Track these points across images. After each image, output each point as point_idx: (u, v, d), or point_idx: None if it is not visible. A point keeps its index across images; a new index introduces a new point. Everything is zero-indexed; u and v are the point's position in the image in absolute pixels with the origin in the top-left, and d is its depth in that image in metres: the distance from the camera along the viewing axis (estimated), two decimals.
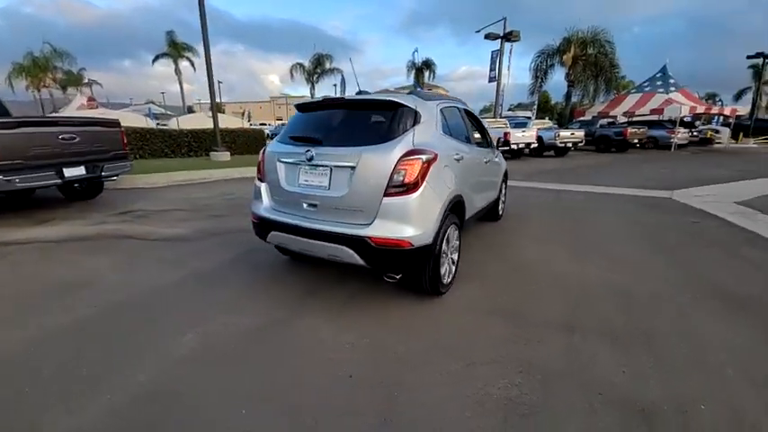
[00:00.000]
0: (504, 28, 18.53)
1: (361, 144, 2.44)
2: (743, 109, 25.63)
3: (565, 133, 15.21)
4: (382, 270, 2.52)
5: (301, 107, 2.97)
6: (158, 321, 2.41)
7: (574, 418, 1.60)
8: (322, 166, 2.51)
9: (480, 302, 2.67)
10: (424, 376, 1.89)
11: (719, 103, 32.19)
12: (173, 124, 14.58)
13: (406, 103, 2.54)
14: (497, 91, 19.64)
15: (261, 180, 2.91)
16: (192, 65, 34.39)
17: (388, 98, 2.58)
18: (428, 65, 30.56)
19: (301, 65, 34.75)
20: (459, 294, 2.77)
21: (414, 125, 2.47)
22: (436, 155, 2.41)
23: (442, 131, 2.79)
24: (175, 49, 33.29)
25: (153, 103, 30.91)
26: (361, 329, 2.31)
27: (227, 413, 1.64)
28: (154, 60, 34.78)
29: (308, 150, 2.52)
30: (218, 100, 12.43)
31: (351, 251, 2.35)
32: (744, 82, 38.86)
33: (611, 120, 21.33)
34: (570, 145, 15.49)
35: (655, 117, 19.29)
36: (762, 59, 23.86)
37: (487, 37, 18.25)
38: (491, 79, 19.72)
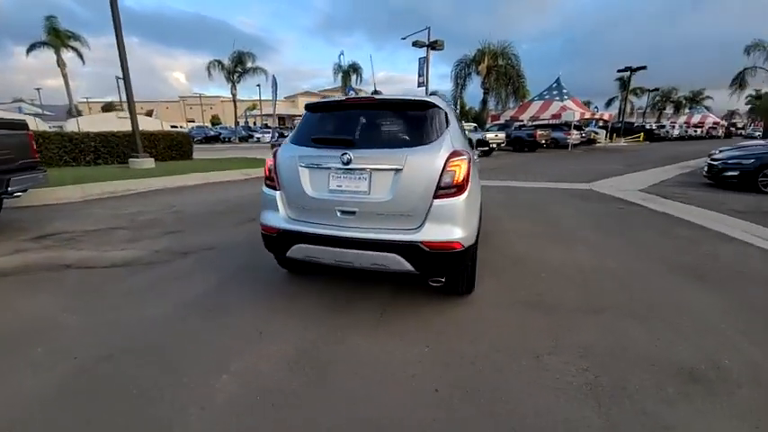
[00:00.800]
0: (429, 37, 19.71)
1: (401, 145, 2.36)
2: (611, 114, 31.39)
3: (491, 135, 16.75)
4: (430, 274, 2.45)
5: (315, 107, 2.75)
6: (174, 367, 1.97)
7: (648, 392, 1.77)
8: (359, 169, 2.34)
9: (504, 297, 2.79)
10: (507, 376, 1.90)
11: (596, 109, 38.84)
12: (71, 126, 12.09)
13: (438, 104, 2.52)
14: (426, 95, 20.70)
15: (274, 188, 2.61)
16: (81, 56, 29.10)
17: (419, 98, 2.53)
18: (355, 68, 30.77)
19: (220, 62, 31.98)
20: (481, 291, 2.86)
21: (447, 126, 2.47)
22: (470, 156, 2.45)
23: (460, 133, 2.85)
24: (57, 38, 27.74)
25: (23, 101, 25.27)
26: (413, 339, 2.23)
27: None
28: (29, 50, 28.48)
29: (345, 153, 2.33)
30: (115, 98, 10.73)
31: (400, 258, 2.24)
32: (612, 91, 47.65)
33: (521, 123, 24.23)
34: (495, 145, 17.13)
35: (554, 121, 22.54)
36: (629, 72, 29.41)
37: (415, 44, 19.16)
38: (420, 84, 20.73)
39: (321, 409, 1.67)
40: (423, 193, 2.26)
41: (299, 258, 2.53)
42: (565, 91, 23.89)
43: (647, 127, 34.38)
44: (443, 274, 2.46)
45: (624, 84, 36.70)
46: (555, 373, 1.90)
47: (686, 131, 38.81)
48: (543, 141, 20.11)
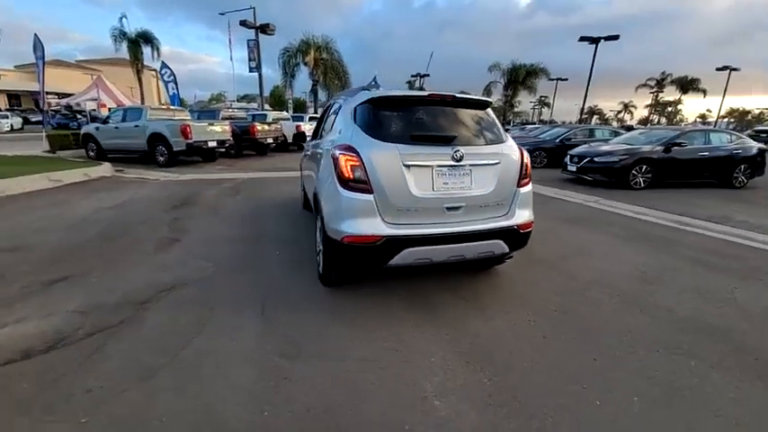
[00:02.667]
0: (255, 18, 18.12)
1: (490, 141, 2.56)
2: None
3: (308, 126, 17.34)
4: (515, 251, 2.66)
5: (386, 101, 2.48)
6: None
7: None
8: (462, 165, 2.37)
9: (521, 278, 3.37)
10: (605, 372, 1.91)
11: None
12: None
13: (491, 101, 2.81)
14: (260, 82, 19.20)
15: (366, 191, 2.24)
16: None
17: (481, 98, 2.70)
18: (148, 38, 24.32)
19: None
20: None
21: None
22: None
23: None
24: None
25: None
26: (481, 339, 2.18)
27: None
28: None
29: (457, 150, 2.33)
30: None
31: (502, 242, 2.48)
32: None
33: None
34: None
35: None
36: (419, 78, 36.06)
37: (243, 24, 17.26)
38: (251, 69, 18.95)
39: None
40: (512, 184, 2.54)
41: (402, 264, 2.31)
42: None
43: None
44: (521, 248, 2.74)
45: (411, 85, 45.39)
46: (639, 366, 2.60)
47: None
48: None
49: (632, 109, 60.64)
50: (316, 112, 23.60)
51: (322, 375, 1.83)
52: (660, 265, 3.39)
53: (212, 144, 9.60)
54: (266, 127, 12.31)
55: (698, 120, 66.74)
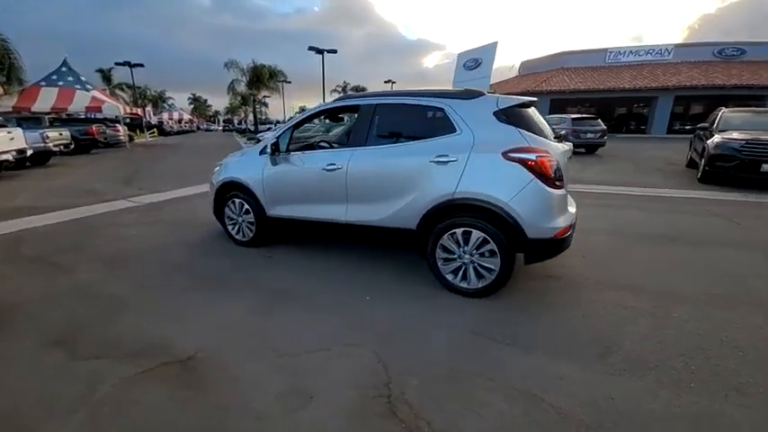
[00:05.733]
0: None
1: None
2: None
3: (54, 134, 11.52)
4: None
5: (530, 104, 2.89)
6: None
7: None
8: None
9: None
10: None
11: None
12: None
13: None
14: None
15: (562, 188, 2.68)
16: None
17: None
18: None
19: None
20: None
21: None
22: None
23: None
24: None
25: None
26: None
27: None
28: None
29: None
30: None
31: None
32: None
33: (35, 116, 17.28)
34: (63, 148, 12.03)
35: (97, 115, 18.62)
36: (132, 68, 28.29)
37: None
38: None
39: None
40: None
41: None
42: (83, 78, 19.68)
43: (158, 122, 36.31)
44: None
45: (108, 78, 35.26)
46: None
47: (182, 126, 45.20)
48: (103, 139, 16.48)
49: None
50: None
51: None
52: None
53: None
54: None
55: None
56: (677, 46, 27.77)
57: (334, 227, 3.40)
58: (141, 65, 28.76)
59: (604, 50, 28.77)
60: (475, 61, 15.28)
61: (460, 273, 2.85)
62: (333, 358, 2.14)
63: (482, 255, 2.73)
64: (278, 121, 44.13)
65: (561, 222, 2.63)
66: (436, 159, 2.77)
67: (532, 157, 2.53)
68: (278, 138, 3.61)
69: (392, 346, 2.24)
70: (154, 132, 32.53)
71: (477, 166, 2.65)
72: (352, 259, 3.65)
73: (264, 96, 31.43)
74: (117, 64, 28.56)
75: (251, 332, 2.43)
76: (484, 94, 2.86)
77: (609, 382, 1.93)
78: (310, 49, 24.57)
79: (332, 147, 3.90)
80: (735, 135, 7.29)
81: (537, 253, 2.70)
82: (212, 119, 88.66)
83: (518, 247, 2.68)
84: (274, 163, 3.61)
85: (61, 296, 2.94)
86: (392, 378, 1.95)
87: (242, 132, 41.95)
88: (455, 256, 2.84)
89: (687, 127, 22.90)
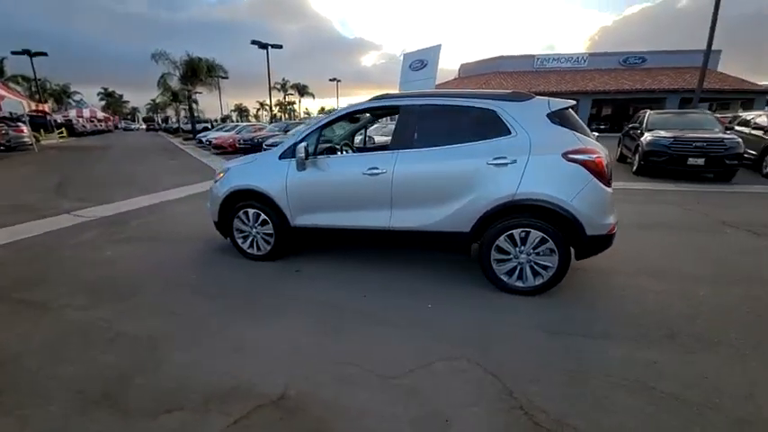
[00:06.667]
0: None
1: None
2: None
3: None
4: None
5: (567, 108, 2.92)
6: None
7: None
8: None
9: None
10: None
11: None
12: None
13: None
14: None
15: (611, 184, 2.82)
16: None
17: None
18: None
19: None
20: None
21: None
22: None
23: None
24: None
25: None
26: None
27: None
28: None
29: None
30: None
31: None
32: None
33: None
34: None
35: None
36: (32, 57, 23.86)
37: None
38: None
39: None
40: None
41: None
42: None
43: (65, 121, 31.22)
44: None
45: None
46: None
47: (96, 126, 39.39)
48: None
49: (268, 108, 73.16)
50: None
51: None
52: None
53: None
54: None
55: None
56: (591, 55, 31.47)
57: (374, 234, 3.23)
58: (44, 53, 24.55)
59: (532, 57, 31.51)
60: (421, 62, 15.70)
61: (516, 272, 2.90)
62: (440, 375, 2.03)
63: (538, 254, 2.81)
64: (215, 121, 40.77)
65: (613, 219, 2.80)
66: (494, 162, 2.78)
67: (591, 157, 2.66)
68: (304, 140, 3.32)
69: (490, 355, 2.20)
70: (62, 133, 27.95)
71: (537, 168, 2.71)
72: (384, 266, 3.53)
73: (196, 93, 28.74)
74: (14, 53, 23.96)
75: (331, 356, 2.21)
76: (533, 96, 2.92)
77: (694, 362, 2.12)
78: (253, 42, 23.06)
79: (338, 149, 3.79)
80: (663, 133, 8.46)
81: (592, 249, 2.81)
82: (130, 117, 79.23)
83: (575, 244, 2.81)
84: (301, 168, 3.32)
85: (63, 343, 2.37)
86: (512, 388, 1.91)
87: (173, 132, 37.98)
88: (510, 257, 2.89)
89: (602, 127, 26.20)
